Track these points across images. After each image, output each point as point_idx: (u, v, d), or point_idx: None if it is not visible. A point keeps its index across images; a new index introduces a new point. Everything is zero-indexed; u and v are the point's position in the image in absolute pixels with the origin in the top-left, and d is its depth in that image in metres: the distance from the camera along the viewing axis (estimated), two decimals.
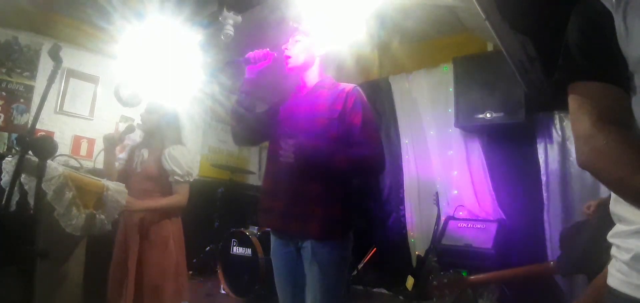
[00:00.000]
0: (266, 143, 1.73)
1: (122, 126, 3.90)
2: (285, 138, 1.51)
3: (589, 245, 1.69)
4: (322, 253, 1.50)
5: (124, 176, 2.25)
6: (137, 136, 2.45)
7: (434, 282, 2.37)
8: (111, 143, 2.24)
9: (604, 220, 0.81)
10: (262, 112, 1.76)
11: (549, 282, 2.87)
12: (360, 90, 1.61)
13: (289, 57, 1.65)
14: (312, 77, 1.69)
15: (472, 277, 2.41)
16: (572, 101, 0.80)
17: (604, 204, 1.96)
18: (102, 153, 2.25)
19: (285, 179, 1.55)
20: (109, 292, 2.13)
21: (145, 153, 2.27)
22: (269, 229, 1.76)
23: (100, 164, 2.30)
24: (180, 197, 2.22)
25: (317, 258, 1.50)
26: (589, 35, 0.79)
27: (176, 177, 2.19)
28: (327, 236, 1.52)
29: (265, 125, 1.72)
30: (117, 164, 2.31)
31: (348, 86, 1.61)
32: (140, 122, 2.33)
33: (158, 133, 2.28)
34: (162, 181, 2.21)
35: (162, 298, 2.13)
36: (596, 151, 0.73)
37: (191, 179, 2.28)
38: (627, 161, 0.70)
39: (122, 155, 2.39)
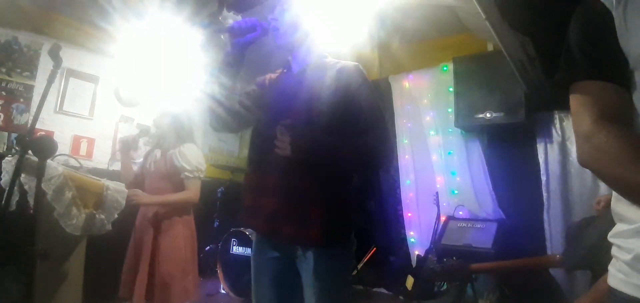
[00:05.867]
0: None
1: (122, 126, 3.91)
2: (276, 123, 1.27)
3: (597, 242, 1.67)
4: (327, 263, 1.29)
5: (141, 177, 2.36)
6: (146, 140, 2.58)
7: (437, 269, 2.38)
8: (126, 145, 2.36)
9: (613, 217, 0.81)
10: (246, 93, 1.48)
11: (549, 281, 2.86)
12: (363, 69, 1.39)
13: (278, 28, 1.39)
14: (307, 52, 1.44)
15: (474, 265, 2.41)
16: (574, 100, 0.80)
17: None
18: (118, 154, 2.37)
19: (274, 173, 1.31)
20: (121, 288, 2.20)
21: (158, 153, 2.38)
22: (252, 231, 1.50)
23: (110, 166, 2.44)
24: (190, 193, 2.29)
25: (321, 270, 1.28)
26: (590, 35, 0.79)
27: (186, 173, 2.27)
28: (332, 242, 1.29)
29: (249, 109, 1.45)
30: (134, 167, 2.43)
31: (349, 64, 1.39)
32: (153, 125, 2.44)
33: (170, 134, 2.38)
34: (174, 179, 2.29)
35: (169, 296, 2.16)
36: (597, 149, 0.74)
37: (201, 176, 2.36)
38: (628, 158, 0.70)
39: (139, 160, 2.51)
